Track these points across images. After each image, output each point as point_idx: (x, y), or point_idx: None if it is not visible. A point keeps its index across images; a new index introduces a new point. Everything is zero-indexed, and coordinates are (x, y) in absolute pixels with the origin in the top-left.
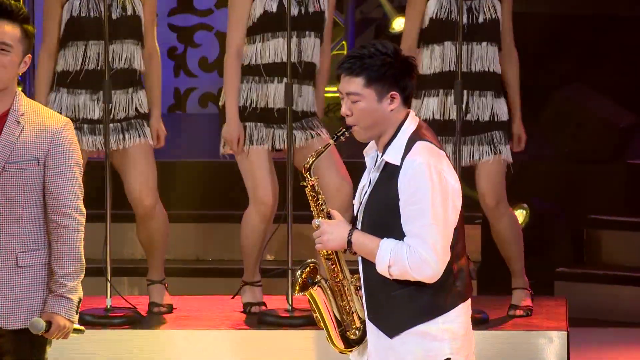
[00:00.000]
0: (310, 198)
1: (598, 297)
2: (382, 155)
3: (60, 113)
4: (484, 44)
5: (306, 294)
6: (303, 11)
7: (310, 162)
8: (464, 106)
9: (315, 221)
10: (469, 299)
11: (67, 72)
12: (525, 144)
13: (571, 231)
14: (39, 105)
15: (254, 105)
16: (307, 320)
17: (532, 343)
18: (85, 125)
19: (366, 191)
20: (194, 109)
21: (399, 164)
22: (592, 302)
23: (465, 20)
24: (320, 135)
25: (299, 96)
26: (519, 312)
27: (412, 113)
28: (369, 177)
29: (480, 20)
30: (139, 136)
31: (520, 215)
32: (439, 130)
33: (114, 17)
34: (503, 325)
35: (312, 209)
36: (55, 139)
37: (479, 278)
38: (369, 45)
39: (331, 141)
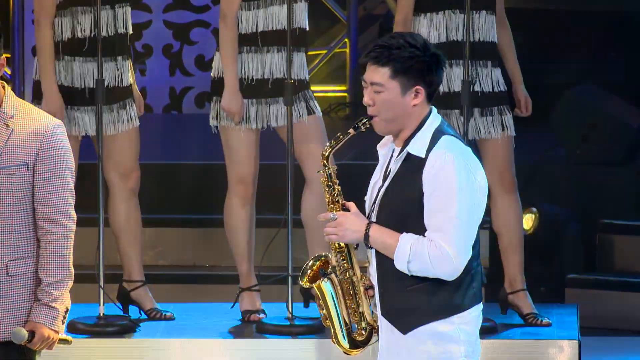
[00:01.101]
0: (326, 188)
1: (610, 305)
2: (402, 148)
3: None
4: (483, 12)
5: (315, 286)
6: None
7: (329, 151)
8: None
9: (332, 214)
10: (481, 303)
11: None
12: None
13: (582, 236)
14: (29, 106)
15: (250, 78)
16: (307, 329)
17: (542, 352)
18: (82, 108)
19: (381, 185)
20: (190, 109)
21: (423, 156)
22: (604, 310)
23: None
24: (314, 113)
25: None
26: (546, 320)
27: (434, 110)
28: (383, 172)
29: None
30: (130, 120)
31: (530, 219)
32: (443, 103)
33: None
34: (512, 334)
35: (326, 199)
36: (45, 143)
37: (487, 285)
38: (399, 36)
39: (351, 130)
